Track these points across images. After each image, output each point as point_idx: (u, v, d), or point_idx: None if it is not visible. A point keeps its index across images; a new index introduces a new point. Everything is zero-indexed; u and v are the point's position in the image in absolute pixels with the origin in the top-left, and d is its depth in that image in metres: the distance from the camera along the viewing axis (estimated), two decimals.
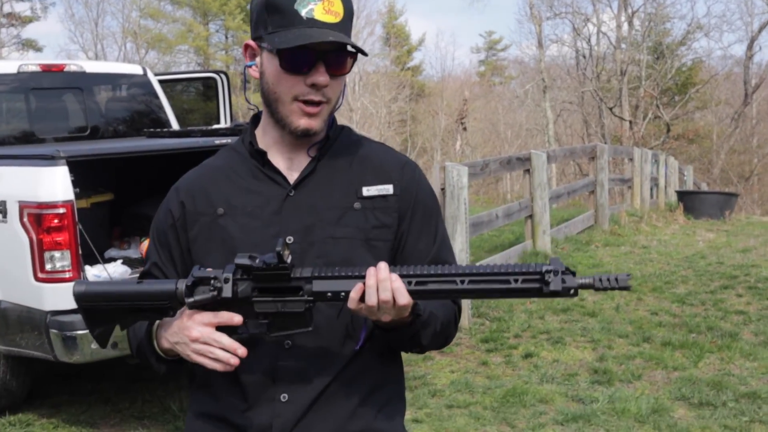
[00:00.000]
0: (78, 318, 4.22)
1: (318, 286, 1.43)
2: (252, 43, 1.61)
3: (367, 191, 1.61)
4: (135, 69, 6.95)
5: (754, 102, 30.31)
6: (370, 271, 1.40)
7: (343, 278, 1.42)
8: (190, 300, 1.46)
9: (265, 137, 1.65)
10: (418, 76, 44.00)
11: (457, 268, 1.41)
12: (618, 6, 30.23)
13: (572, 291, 1.35)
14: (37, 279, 4.19)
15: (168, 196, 1.70)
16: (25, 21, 35.43)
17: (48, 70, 6.24)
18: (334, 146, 1.65)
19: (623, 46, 29.70)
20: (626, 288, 1.34)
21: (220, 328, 1.47)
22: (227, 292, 1.45)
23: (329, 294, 1.43)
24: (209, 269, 1.48)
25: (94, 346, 4.21)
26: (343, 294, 1.42)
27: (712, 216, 13.39)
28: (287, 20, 1.52)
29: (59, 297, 4.17)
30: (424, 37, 61.78)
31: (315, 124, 1.57)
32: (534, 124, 35.49)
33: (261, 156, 1.62)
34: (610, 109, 29.45)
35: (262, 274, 1.43)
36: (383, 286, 1.39)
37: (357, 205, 1.60)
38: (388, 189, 1.62)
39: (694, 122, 32.62)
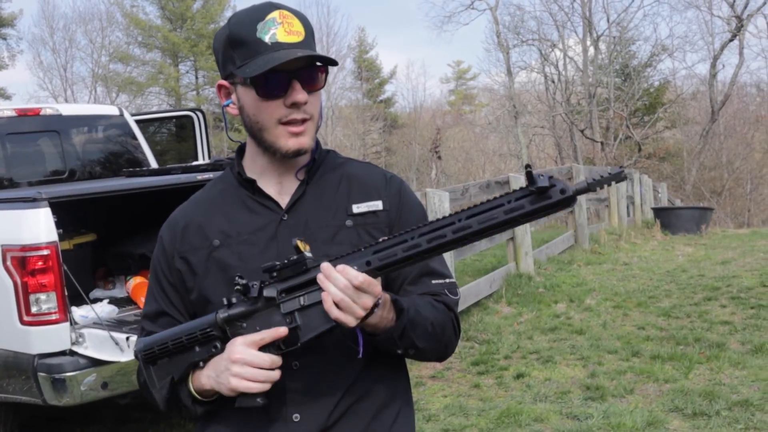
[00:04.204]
0: (67, 360, 4.17)
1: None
2: (224, 82, 1.65)
3: (357, 208, 1.65)
4: (111, 110, 6.95)
5: (720, 119, 30.75)
6: (319, 276, 1.42)
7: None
8: (224, 315, 1.51)
9: (254, 165, 1.68)
10: (390, 108, 44.32)
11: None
12: (583, 31, 30.71)
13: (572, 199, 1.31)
14: (23, 322, 4.12)
15: (160, 233, 1.72)
16: None
17: (24, 114, 6.23)
18: (321, 168, 1.69)
19: (590, 69, 30.11)
20: (622, 179, 1.29)
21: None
22: (254, 292, 1.48)
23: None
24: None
25: (84, 387, 4.14)
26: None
27: (688, 231, 13.57)
28: (253, 50, 1.55)
29: (47, 340, 4.12)
30: (395, 70, 62.07)
31: (304, 141, 1.60)
32: (507, 149, 35.77)
33: (251, 184, 1.66)
34: (582, 131, 29.77)
35: (284, 269, 1.47)
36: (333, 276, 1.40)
37: (349, 222, 1.63)
38: (377, 205, 1.66)
39: (664, 141, 33.03)
